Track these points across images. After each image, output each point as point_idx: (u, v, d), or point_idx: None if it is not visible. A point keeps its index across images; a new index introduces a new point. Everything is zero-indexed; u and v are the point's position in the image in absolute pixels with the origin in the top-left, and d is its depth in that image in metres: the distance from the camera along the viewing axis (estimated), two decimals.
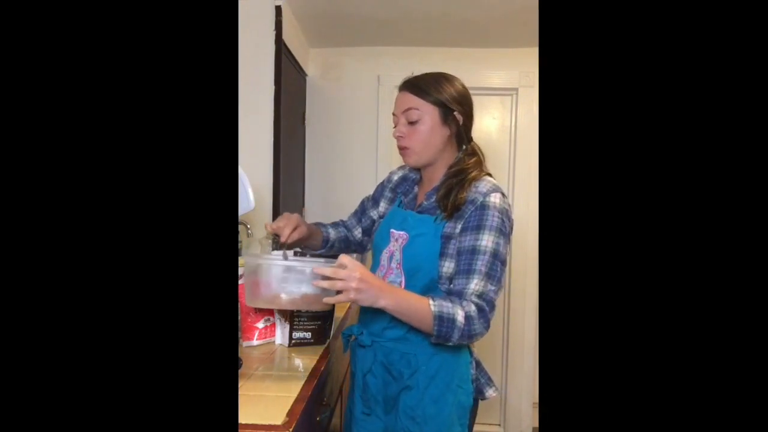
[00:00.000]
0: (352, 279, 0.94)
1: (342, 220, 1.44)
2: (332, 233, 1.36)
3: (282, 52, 1.96)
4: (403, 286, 1.10)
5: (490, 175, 1.15)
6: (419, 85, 1.12)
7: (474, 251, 1.03)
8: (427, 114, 1.10)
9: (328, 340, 1.26)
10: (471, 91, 2.71)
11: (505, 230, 1.05)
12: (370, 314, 1.14)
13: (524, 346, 2.61)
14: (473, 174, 1.10)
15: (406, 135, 1.12)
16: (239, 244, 1.59)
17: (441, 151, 1.14)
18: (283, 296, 1.05)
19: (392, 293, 0.99)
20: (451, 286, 1.06)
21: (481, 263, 1.02)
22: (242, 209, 1.39)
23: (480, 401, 1.18)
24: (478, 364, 1.16)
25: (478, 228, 1.04)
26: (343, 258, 0.96)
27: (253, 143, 1.79)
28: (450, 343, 1.03)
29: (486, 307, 1.02)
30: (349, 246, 1.38)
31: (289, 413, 0.85)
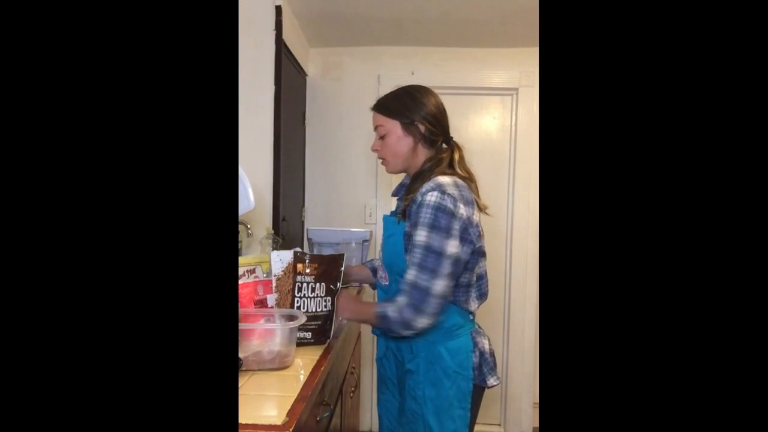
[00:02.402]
0: (337, 306, 1.27)
1: None
2: (376, 262, 1.51)
3: (282, 52, 1.96)
4: (387, 282, 1.28)
5: (455, 172, 1.22)
6: (383, 104, 1.29)
7: (413, 246, 1.14)
8: (391, 128, 1.26)
9: (328, 341, 1.26)
10: (471, 91, 2.72)
11: (438, 224, 1.11)
12: None
13: (524, 346, 2.61)
14: (433, 173, 1.20)
15: (380, 149, 1.30)
16: (239, 244, 1.59)
17: (411, 157, 1.27)
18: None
19: (351, 309, 1.26)
20: None
21: (415, 256, 1.13)
22: (242, 209, 1.39)
23: (485, 390, 1.27)
24: (483, 354, 1.25)
25: (415, 225, 1.14)
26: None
27: (253, 143, 1.79)
28: (396, 334, 1.18)
29: (415, 295, 1.12)
30: None
31: (289, 413, 0.85)
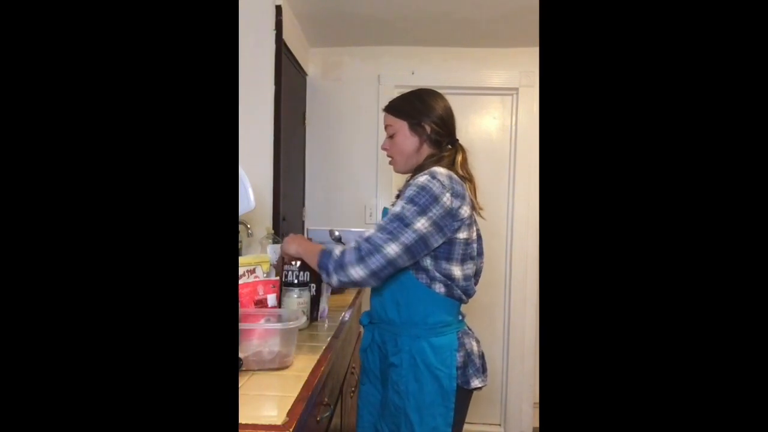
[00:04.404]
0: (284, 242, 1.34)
1: None
2: None
3: (282, 51, 1.96)
4: None
5: (455, 171, 1.23)
6: (393, 105, 1.34)
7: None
8: (399, 127, 1.31)
9: (313, 322, 1.44)
10: (471, 91, 2.72)
11: (417, 200, 1.14)
12: (371, 299, 1.36)
13: (524, 346, 2.61)
14: (426, 169, 1.22)
15: (389, 148, 1.34)
16: (239, 244, 1.59)
17: (416, 156, 1.30)
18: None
19: (299, 244, 1.30)
20: None
21: (381, 221, 1.16)
22: (242, 209, 1.39)
23: (475, 392, 1.26)
24: (470, 355, 1.24)
25: (399, 201, 1.17)
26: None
27: (253, 143, 1.79)
28: (327, 274, 1.16)
29: (363, 246, 1.13)
30: None
31: (289, 413, 0.85)
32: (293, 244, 1.30)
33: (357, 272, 1.12)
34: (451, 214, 1.16)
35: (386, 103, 1.36)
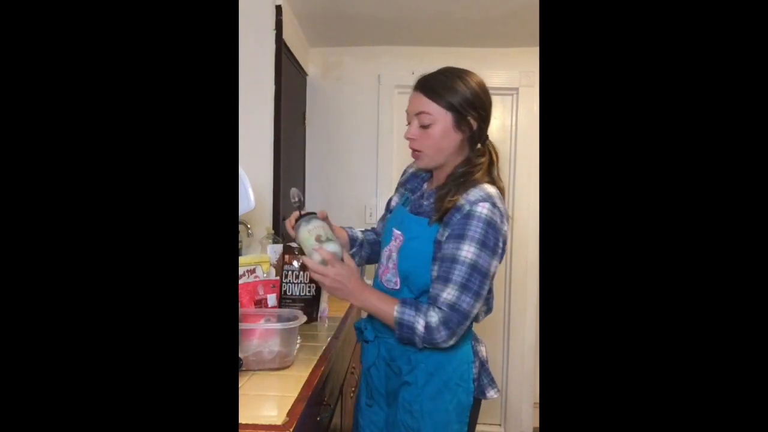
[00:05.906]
0: (326, 276, 1.05)
1: (373, 227, 1.43)
2: (359, 234, 1.36)
3: (282, 51, 1.95)
4: (398, 286, 1.13)
5: (494, 181, 1.11)
6: (433, 88, 1.08)
7: (454, 260, 1.02)
8: (440, 119, 1.08)
9: (314, 321, 1.48)
10: None
11: (488, 242, 1.01)
12: None
13: (524, 346, 2.61)
14: (473, 179, 1.08)
15: (418, 138, 1.10)
16: (239, 244, 1.59)
17: (453, 155, 1.12)
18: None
19: (362, 296, 1.07)
20: (430, 290, 1.06)
21: (458, 273, 1.01)
22: (242, 209, 1.39)
23: (482, 402, 1.19)
24: (483, 364, 1.17)
25: (461, 237, 1.02)
26: (331, 258, 1.06)
27: (253, 143, 1.79)
28: (412, 344, 1.05)
29: (453, 318, 1.01)
30: (379, 249, 1.32)
31: (289, 413, 0.85)
32: (356, 298, 1.07)
33: (449, 343, 1.05)
34: (505, 239, 1.08)
35: (420, 80, 1.11)
